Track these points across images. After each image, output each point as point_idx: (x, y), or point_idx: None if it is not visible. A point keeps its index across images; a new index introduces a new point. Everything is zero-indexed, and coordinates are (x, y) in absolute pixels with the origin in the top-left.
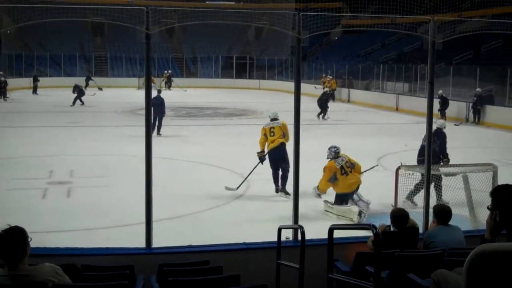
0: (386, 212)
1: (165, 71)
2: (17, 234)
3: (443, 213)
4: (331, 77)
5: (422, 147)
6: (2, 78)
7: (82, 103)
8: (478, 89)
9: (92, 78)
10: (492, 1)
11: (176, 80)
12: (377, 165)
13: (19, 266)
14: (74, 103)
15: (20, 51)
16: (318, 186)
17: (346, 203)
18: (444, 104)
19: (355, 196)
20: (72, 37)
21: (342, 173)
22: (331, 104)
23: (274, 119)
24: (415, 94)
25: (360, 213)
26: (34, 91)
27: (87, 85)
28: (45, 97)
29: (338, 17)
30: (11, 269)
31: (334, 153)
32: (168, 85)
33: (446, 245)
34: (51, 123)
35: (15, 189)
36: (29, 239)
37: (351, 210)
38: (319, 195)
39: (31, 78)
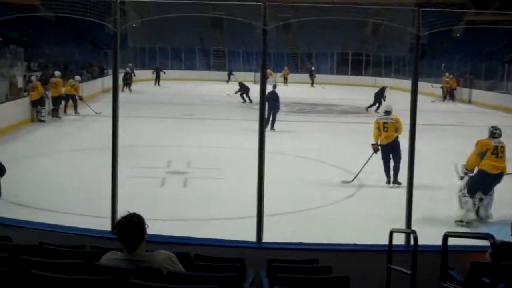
0: (506, 220)
1: (285, 68)
2: (136, 221)
3: None
4: (451, 76)
5: None
6: (128, 69)
7: (250, 101)
8: None
9: (233, 72)
10: None
11: (291, 76)
12: None
13: (137, 251)
14: (244, 100)
15: (144, 44)
16: (466, 164)
17: (486, 188)
18: None
19: (483, 199)
20: (192, 31)
21: (493, 153)
22: (450, 105)
23: (387, 112)
24: None
25: (461, 221)
26: (157, 82)
27: (229, 79)
28: (166, 89)
29: (460, 14)
30: (129, 253)
31: (490, 132)
32: (286, 80)
33: None
34: (171, 115)
35: (135, 177)
36: (146, 226)
37: (460, 213)
38: (461, 177)
39: (153, 70)
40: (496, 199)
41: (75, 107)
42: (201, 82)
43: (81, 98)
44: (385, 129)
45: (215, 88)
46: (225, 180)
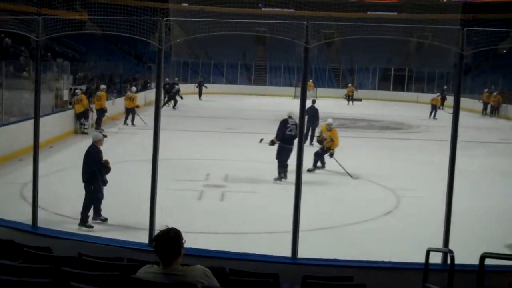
0: None
1: (349, 84)
2: (174, 236)
3: None
4: (495, 92)
5: None
6: (169, 81)
7: None
8: None
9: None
10: None
11: (331, 91)
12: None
13: (173, 265)
14: None
15: (187, 58)
16: None
17: None
18: None
19: None
20: (235, 46)
21: None
22: (493, 121)
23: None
24: None
25: None
26: (199, 96)
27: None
28: (208, 103)
29: (505, 32)
30: (166, 267)
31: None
32: (350, 98)
33: None
34: (211, 128)
35: (174, 190)
36: (183, 241)
37: None
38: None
39: (195, 84)
40: None
41: (132, 119)
42: (241, 96)
43: (137, 107)
44: None
45: (255, 102)
46: (261, 195)
